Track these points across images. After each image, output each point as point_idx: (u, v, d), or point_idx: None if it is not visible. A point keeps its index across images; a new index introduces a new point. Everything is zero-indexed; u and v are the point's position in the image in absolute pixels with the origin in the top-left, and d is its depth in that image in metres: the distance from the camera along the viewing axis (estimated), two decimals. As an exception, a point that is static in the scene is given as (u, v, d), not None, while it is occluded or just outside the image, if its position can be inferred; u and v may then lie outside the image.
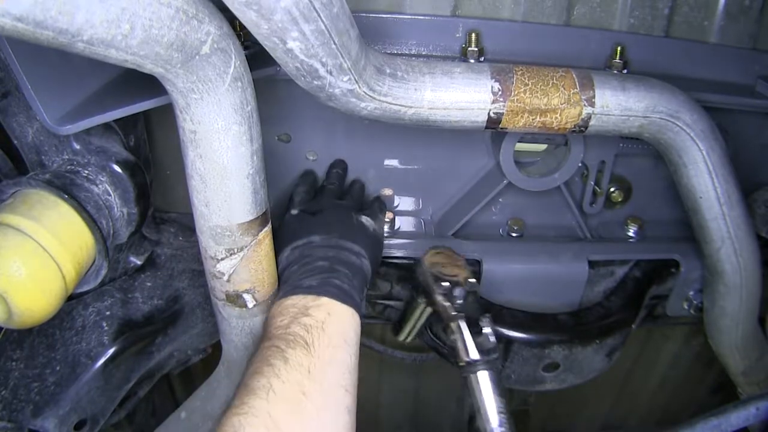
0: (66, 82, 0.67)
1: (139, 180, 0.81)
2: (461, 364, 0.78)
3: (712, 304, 1.07)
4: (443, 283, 0.83)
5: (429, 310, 0.92)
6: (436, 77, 0.76)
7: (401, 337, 1.01)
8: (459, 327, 0.78)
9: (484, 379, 0.76)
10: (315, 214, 0.90)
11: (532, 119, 0.80)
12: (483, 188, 1.07)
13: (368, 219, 0.92)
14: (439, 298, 0.83)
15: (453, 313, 0.80)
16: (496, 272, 1.03)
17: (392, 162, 1.09)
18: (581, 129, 0.82)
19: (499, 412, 0.75)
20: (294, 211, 0.93)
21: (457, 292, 0.82)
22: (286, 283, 0.81)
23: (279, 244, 0.87)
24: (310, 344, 0.69)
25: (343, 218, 0.90)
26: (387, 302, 1.07)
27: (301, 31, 0.59)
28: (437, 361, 1.19)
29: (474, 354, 0.77)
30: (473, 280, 0.85)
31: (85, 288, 0.79)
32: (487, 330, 0.79)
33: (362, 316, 0.79)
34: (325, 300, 0.75)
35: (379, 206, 1.01)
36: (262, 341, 0.72)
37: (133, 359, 0.91)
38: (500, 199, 1.11)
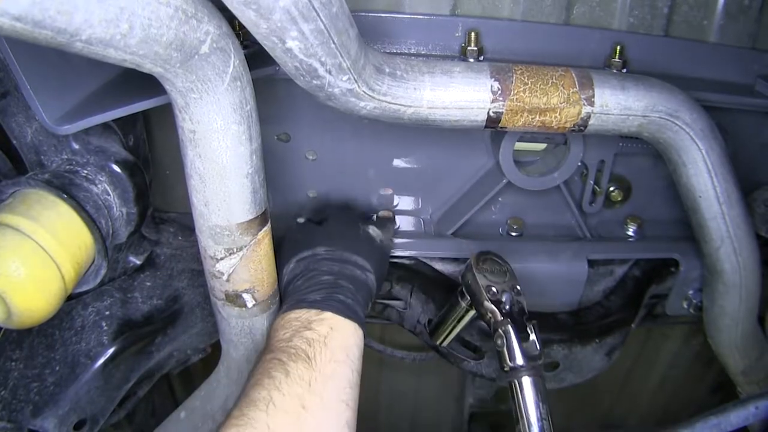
0: (65, 81, 0.67)
1: (138, 180, 0.81)
2: (506, 369, 0.78)
3: (711, 304, 1.07)
4: (492, 288, 0.84)
5: (471, 313, 0.92)
6: (435, 76, 0.76)
7: (438, 341, 1.01)
8: (507, 332, 0.79)
9: (527, 386, 0.76)
10: (321, 223, 0.90)
11: (532, 118, 0.80)
12: (482, 187, 1.07)
13: (375, 229, 0.91)
14: (488, 303, 0.83)
15: (500, 318, 0.81)
16: (495, 272, 1.03)
17: (392, 161, 1.09)
18: (580, 128, 0.82)
19: (542, 419, 0.75)
20: (300, 219, 0.92)
21: (505, 297, 0.83)
22: (291, 296, 0.81)
23: (284, 252, 0.86)
24: (311, 358, 0.69)
25: (349, 228, 0.89)
26: (387, 302, 1.07)
27: (300, 31, 0.59)
28: (437, 361, 1.19)
29: (520, 359, 0.77)
30: (519, 287, 0.86)
31: (85, 288, 0.79)
32: (533, 337, 0.80)
33: (365, 331, 0.78)
34: (328, 315, 0.75)
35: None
36: (264, 353, 0.72)
37: (133, 359, 0.91)
38: (500, 199, 1.11)
